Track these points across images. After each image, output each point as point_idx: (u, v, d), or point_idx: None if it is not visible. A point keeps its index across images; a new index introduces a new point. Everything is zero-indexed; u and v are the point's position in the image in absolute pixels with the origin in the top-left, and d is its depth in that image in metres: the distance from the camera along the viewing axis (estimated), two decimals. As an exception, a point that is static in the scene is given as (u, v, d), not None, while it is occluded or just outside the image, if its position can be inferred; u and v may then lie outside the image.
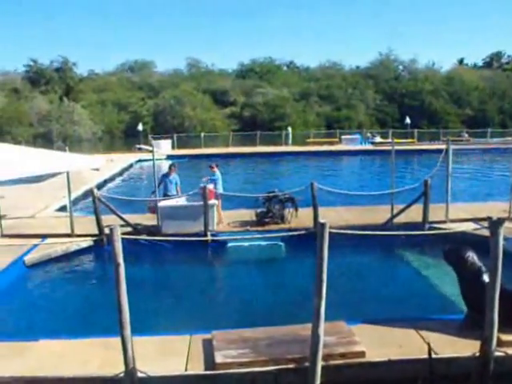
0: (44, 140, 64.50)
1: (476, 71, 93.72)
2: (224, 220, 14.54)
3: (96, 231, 13.33)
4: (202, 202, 13.32)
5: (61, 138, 66.74)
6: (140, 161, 35.10)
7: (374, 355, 6.58)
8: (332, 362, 6.38)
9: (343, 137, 47.44)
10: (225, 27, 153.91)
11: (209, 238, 13.14)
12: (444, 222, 13.80)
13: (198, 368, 6.51)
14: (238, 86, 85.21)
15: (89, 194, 15.45)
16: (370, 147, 42.73)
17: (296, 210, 14.54)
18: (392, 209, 14.03)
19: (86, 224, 14.08)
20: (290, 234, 11.70)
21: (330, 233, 5.90)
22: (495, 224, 6.29)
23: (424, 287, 10.56)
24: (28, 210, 16.70)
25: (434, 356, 6.48)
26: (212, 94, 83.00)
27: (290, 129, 51.37)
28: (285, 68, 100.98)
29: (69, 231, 13.58)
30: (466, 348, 6.70)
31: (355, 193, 16.49)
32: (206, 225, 13.31)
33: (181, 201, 14.35)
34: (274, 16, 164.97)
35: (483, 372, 6.42)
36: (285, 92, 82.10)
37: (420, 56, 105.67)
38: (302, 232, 10.83)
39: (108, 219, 13.12)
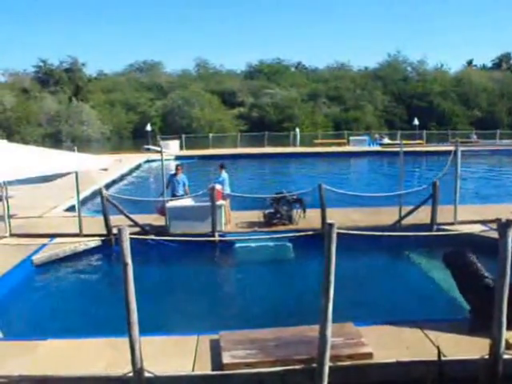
0: (53, 140, 64.80)
1: (485, 72, 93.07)
2: (232, 221, 14.55)
3: (104, 231, 13.36)
4: (209, 203, 13.35)
5: (69, 139, 66.99)
6: (148, 161, 35.10)
7: (382, 357, 6.57)
8: (339, 363, 6.37)
9: (351, 138, 47.24)
10: (233, 28, 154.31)
11: (216, 238, 13.16)
12: (452, 223, 13.74)
13: (205, 368, 6.52)
14: (246, 87, 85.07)
15: (97, 194, 15.50)
16: (378, 148, 42.53)
17: (304, 211, 14.53)
18: (400, 210, 14.00)
19: (95, 224, 14.14)
20: (298, 234, 11.69)
21: (338, 233, 5.89)
22: (504, 226, 6.27)
23: (432, 289, 10.52)
24: (37, 210, 16.77)
25: (443, 358, 6.46)
26: (220, 94, 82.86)
27: (297, 130, 51.24)
28: (293, 69, 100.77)
29: (77, 231, 13.64)
30: (473, 350, 6.67)
31: (363, 194, 16.44)
32: (213, 225, 13.32)
33: (189, 201, 14.37)
34: (282, 17, 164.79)
35: (492, 374, 6.40)
36: (293, 93, 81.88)
37: (429, 57, 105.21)
38: (310, 232, 10.81)
39: (116, 219, 13.17)
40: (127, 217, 13.44)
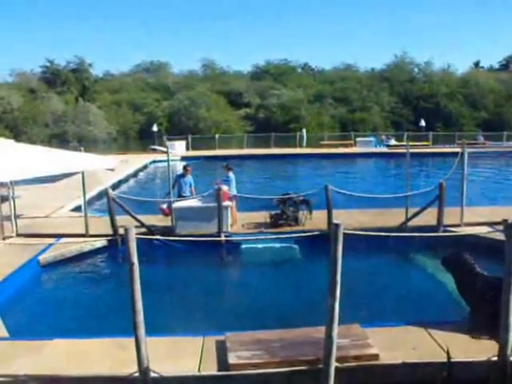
0: (59, 140, 64.91)
1: (492, 74, 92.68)
2: (238, 221, 14.54)
3: (110, 231, 13.37)
4: (216, 204, 13.35)
5: (76, 139, 67.13)
6: (154, 162, 35.19)
7: (388, 358, 6.55)
8: (345, 365, 6.36)
9: (358, 139, 47.17)
10: (240, 29, 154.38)
11: (222, 239, 13.16)
12: (459, 225, 13.69)
13: (211, 369, 6.51)
14: (253, 88, 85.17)
15: (103, 194, 15.53)
16: (384, 150, 42.48)
17: (310, 212, 14.52)
18: (407, 212, 13.96)
19: (101, 224, 14.16)
20: (304, 234, 11.66)
21: (344, 234, 5.88)
22: (510, 227, 6.24)
23: (438, 290, 10.48)
24: (43, 210, 16.82)
25: (451, 360, 6.44)
26: (227, 95, 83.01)
27: (304, 131, 51.13)
28: (299, 70, 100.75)
29: (83, 231, 13.66)
30: (481, 352, 6.65)
31: (370, 195, 16.40)
32: (219, 226, 13.32)
33: (195, 202, 14.37)
34: (288, 18, 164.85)
35: (501, 376, 6.37)
36: (299, 94, 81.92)
37: (435, 59, 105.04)
38: (316, 233, 10.78)
39: (122, 220, 13.18)
40: (133, 217, 13.44)
